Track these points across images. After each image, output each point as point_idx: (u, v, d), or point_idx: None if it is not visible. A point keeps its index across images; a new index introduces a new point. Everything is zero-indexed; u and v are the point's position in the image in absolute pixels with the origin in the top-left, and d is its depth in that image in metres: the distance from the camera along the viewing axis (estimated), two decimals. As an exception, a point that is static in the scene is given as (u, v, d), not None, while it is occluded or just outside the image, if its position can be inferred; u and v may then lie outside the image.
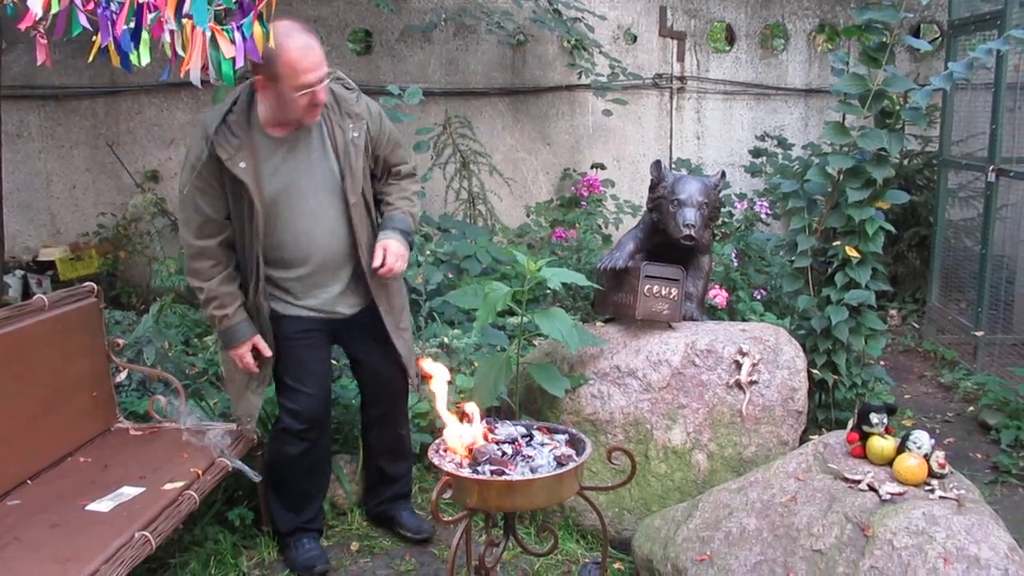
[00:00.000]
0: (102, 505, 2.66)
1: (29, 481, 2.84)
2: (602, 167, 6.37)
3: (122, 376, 3.64)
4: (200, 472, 2.90)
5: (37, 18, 2.07)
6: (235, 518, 3.28)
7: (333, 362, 4.23)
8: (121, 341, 3.38)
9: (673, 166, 6.86)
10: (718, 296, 4.68)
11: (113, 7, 2.46)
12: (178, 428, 3.29)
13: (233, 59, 2.46)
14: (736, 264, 5.25)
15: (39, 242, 6.77)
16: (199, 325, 5.04)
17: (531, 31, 6.85)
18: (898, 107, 3.44)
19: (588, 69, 6.32)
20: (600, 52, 6.53)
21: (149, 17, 2.37)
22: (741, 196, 6.17)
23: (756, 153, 6.62)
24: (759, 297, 5.17)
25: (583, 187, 6.38)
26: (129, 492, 2.76)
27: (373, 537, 3.39)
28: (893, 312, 6.33)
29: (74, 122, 6.81)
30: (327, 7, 6.86)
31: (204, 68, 2.50)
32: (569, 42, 6.62)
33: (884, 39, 3.39)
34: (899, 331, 6.12)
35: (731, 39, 7.30)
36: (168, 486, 2.79)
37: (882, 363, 5.38)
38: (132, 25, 2.49)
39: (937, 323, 5.73)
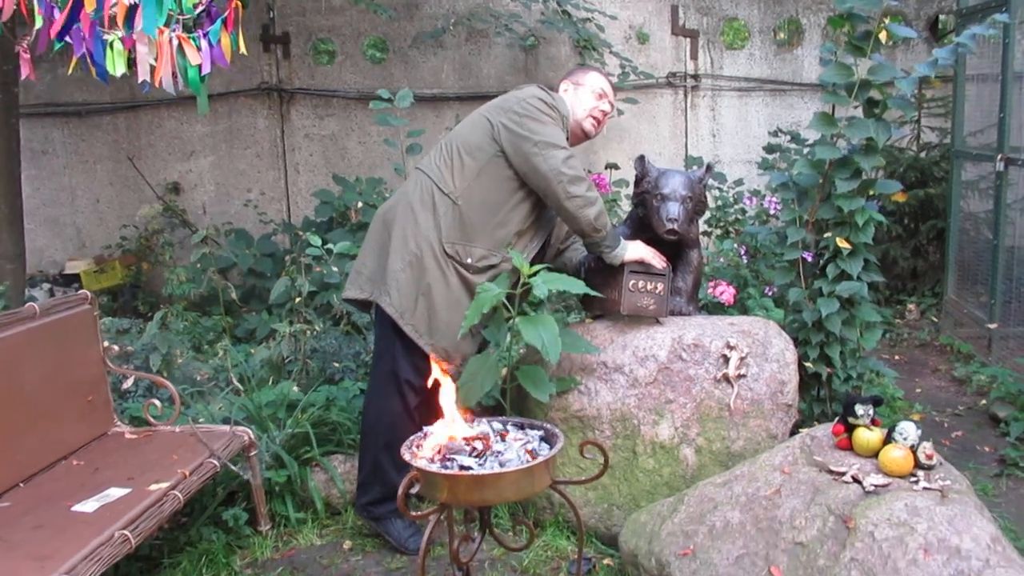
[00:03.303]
0: (87, 506, 2.70)
1: (21, 484, 2.89)
2: (616, 167, 6.35)
3: (129, 382, 3.74)
4: (187, 473, 2.94)
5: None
6: (229, 518, 3.33)
7: (335, 364, 4.30)
8: (116, 347, 3.44)
9: (686, 164, 6.82)
10: (725, 293, 4.62)
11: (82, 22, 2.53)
12: (172, 431, 3.35)
13: (199, 66, 2.52)
14: (745, 260, 5.19)
15: (65, 255, 6.93)
16: (210, 331, 5.13)
17: (542, 34, 6.86)
18: (885, 96, 3.39)
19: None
20: (611, 52, 6.53)
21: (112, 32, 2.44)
22: (755, 192, 6.10)
23: (770, 149, 6.56)
24: (770, 293, 5.11)
25: (593, 187, 6.34)
26: (115, 493, 2.79)
27: (365, 536, 3.42)
28: (911, 306, 6.23)
29: (97, 137, 6.97)
30: (340, 16, 6.95)
31: (174, 76, 2.57)
32: (580, 43, 6.62)
33: (868, 28, 3.35)
34: (917, 325, 6.01)
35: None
36: (153, 487, 2.82)
37: (897, 357, 5.32)
38: (107, 38, 2.56)
39: (954, 316, 5.63)
